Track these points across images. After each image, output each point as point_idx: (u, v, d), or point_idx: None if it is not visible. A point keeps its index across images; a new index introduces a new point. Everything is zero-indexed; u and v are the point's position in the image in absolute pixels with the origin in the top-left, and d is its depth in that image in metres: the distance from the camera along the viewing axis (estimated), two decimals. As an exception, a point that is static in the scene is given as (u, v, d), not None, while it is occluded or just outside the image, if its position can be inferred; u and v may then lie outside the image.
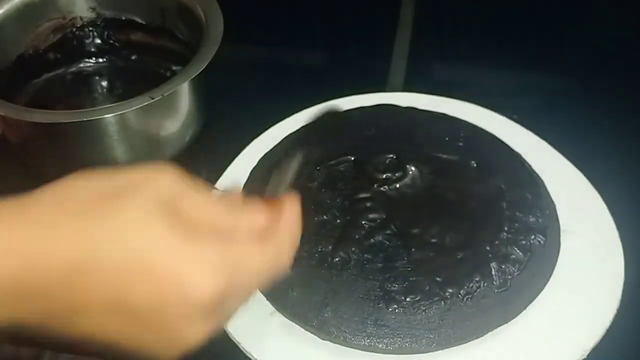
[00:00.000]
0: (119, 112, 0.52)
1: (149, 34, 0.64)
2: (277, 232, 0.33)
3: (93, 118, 0.52)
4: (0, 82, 0.60)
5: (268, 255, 0.32)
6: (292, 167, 0.39)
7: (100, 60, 0.66)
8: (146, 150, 0.56)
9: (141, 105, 0.52)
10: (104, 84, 0.66)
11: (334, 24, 0.71)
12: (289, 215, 0.34)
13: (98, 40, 0.66)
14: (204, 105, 0.59)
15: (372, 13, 0.72)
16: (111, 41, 0.66)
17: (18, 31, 0.61)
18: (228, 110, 0.63)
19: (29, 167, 0.58)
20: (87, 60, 0.66)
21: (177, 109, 0.56)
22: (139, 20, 0.64)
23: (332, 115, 0.40)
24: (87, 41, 0.65)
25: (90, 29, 0.65)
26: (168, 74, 0.64)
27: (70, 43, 0.65)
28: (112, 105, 0.53)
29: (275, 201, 0.34)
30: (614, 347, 0.45)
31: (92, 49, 0.66)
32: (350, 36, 0.70)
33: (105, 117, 0.52)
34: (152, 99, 0.51)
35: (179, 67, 0.63)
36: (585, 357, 0.44)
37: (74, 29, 0.64)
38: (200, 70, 0.54)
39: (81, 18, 0.64)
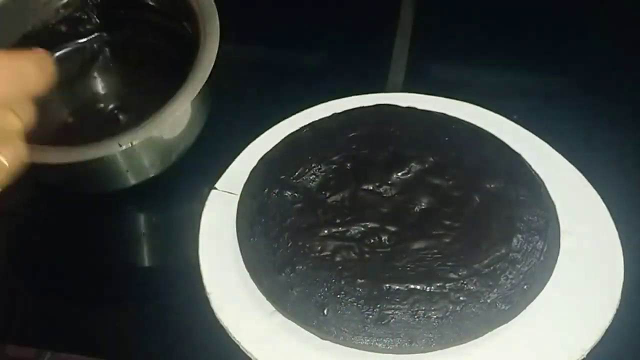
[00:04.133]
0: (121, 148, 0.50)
1: (158, 15, 0.63)
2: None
3: (90, 158, 0.50)
4: None
5: None
6: None
7: (105, 35, 0.65)
8: (147, 154, 0.56)
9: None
10: (110, 61, 0.65)
11: (334, 24, 0.72)
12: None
13: (105, 17, 0.65)
14: (203, 111, 0.58)
15: (372, 14, 0.72)
16: (118, 18, 0.65)
17: (25, 9, 0.60)
18: (228, 110, 0.63)
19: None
20: (92, 36, 0.65)
21: (181, 122, 0.56)
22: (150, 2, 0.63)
23: None
24: (95, 18, 0.65)
25: (100, 5, 0.64)
26: (177, 57, 0.63)
27: (79, 18, 0.64)
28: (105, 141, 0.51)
29: None
30: (613, 347, 0.45)
31: (99, 26, 0.65)
32: (350, 36, 0.70)
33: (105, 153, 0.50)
34: (121, 146, 0.50)
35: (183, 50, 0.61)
36: (584, 357, 0.44)
37: (85, 5, 0.64)
38: (196, 93, 0.52)
39: None
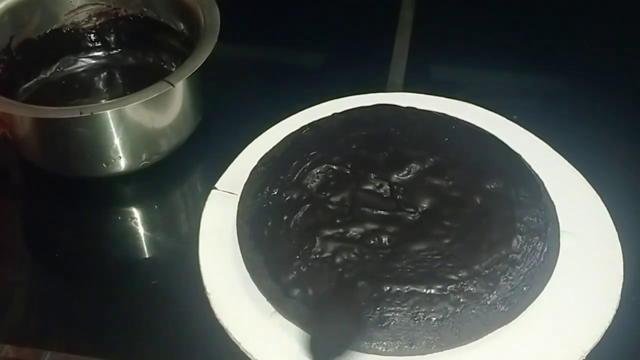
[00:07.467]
0: (116, 108, 0.52)
1: (180, 39, 0.64)
2: None
3: (90, 114, 0.52)
4: (34, 52, 0.62)
5: None
6: None
7: (124, 54, 0.67)
8: (144, 146, 0.56)
9: (140, 102, 0.52)
10: (119, 79, 0.67)
11: (334, 24, 0.72)
12: None
13: (130, 35, 0.66)
14: (201, 101, 0.58)
15: (372, 13, 0.72)
16: (140, 38, 0.66)
17: (57, 5, 0.63)
18: (228, 110, 0.63)
19: (29, 164, 0.58)
20: (115, 51, 0.67)
21: (173, 105, 0.56)
22: (172, 25, 0.64)
23: None
24: (123, 33, 0.67)
25: (130, 21, 0.66)
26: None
27: (108, 32, 0.66)
28: (111, 101, 0.53)
29: None
30: (613, 347, 0.45)
31: (125, 42, 0.67)
32: (350, 36, 0.70)
33: (103, 113, 0.52)
34: (172, 85, 0.52)
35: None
36: (584, 357, 0.44)
37: (115, 18, 0.65)
38: (194, 70, 0.54)
39: (126, 10, 0.65)
